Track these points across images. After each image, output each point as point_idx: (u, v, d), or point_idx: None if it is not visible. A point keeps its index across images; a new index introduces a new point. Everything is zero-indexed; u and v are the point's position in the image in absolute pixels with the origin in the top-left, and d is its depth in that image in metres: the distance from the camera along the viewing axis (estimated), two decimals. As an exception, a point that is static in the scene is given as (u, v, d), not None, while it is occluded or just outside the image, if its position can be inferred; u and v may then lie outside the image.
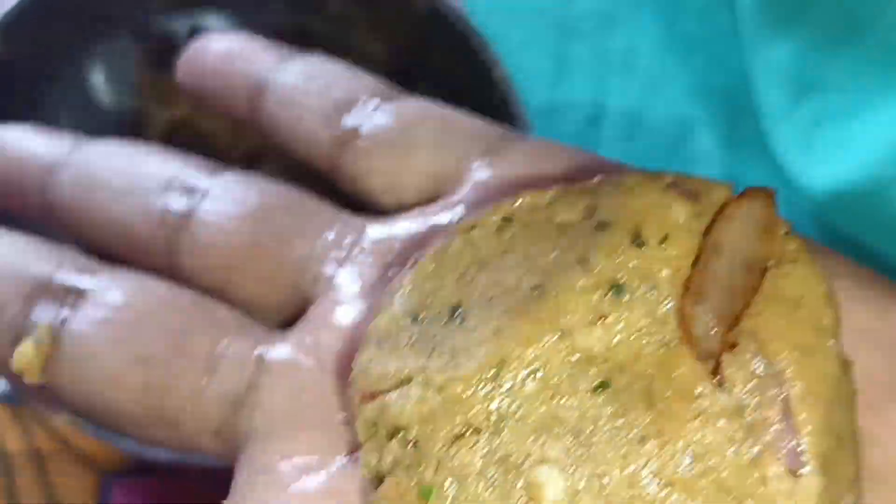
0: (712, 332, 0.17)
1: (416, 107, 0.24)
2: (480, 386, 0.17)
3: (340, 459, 0.19)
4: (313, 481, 0.18)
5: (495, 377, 0.17)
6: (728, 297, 0.17)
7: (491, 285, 0.18)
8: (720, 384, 0.16)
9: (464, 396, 0.17)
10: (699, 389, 0.16)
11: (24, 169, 0.24)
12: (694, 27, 0.44)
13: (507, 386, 0.17)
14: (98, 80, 0.44)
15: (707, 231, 0.17)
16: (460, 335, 0.17)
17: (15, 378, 0.22)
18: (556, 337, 0.17)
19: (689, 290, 0.17)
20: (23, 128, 0.25)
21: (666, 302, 0.17)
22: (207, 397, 0.20)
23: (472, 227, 0.19)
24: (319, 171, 0.25)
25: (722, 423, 0.16)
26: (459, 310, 0.18)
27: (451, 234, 0.19)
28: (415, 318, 0.18)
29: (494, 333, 0.17)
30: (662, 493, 0.16)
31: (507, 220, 0.19)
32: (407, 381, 0.17)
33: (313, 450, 0.19)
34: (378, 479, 0.17)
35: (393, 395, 0.17)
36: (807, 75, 0.35)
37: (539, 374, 0.17)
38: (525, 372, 0.17)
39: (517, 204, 0.19)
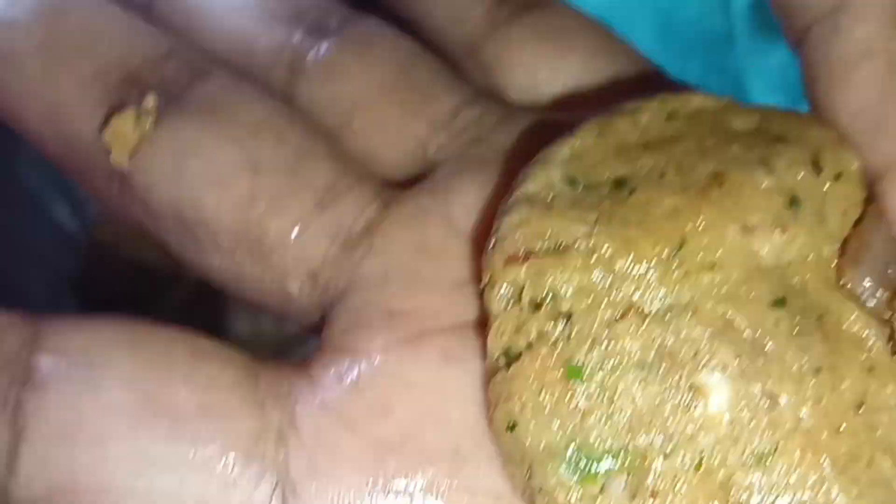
0: (877, 295, 0.16)
1: (577, 14, 0.22)
2: (654, 265, 0.15)
3: (460, 325, 0.17)
4: (424, 342, 0.16)
5: (671, 258, 0.15)
6: (883, 267, 0.16)
7: (662, 165, 0.16)
8: (893, 351, 0.15)
9: (634, 273, 0.15)
10: (870, 342, 0.15)
11: None
12: (689, 32, 0.44)
13: (682, 272, 0.15)
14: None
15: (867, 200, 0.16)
16: (630, 208, 0.16)
17: (91, 171, 0.19)
18: (739, 230, 0.15)
19: (847, 252, 0.16)
20: None
21: (830, 243, 0.16)
22: (316, 228, 0.18)
23: (637, 111, 0.17)
24: (447, 54, 0.22)
25: (891, 388, 0.15)
26: (628, 184, 0.16)
27: (612, 113, 0.17)
28: (573, 183, 0.16)
29: (673, 212, 0.15)
30: (825, 435, 0.15)
31: (672, 113, 0.17)
32: (568, 245, 0.15)
33: (429, 309, 0.17)
34: (508, 356, 0.15)
35: (550, 260, 0.15)
36: (802, 80, 0.36)
37: (717, 271, 0.15)
38: (704, 261, 0.15)
39: (683, 102, 0.18)
